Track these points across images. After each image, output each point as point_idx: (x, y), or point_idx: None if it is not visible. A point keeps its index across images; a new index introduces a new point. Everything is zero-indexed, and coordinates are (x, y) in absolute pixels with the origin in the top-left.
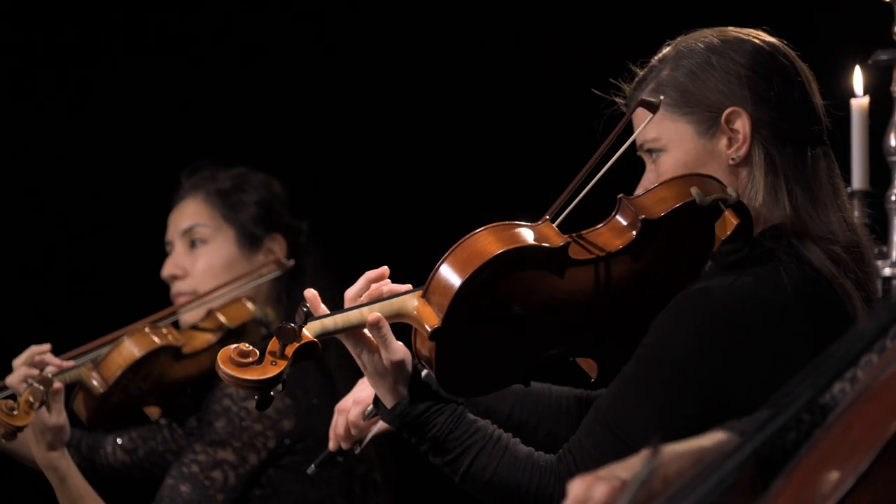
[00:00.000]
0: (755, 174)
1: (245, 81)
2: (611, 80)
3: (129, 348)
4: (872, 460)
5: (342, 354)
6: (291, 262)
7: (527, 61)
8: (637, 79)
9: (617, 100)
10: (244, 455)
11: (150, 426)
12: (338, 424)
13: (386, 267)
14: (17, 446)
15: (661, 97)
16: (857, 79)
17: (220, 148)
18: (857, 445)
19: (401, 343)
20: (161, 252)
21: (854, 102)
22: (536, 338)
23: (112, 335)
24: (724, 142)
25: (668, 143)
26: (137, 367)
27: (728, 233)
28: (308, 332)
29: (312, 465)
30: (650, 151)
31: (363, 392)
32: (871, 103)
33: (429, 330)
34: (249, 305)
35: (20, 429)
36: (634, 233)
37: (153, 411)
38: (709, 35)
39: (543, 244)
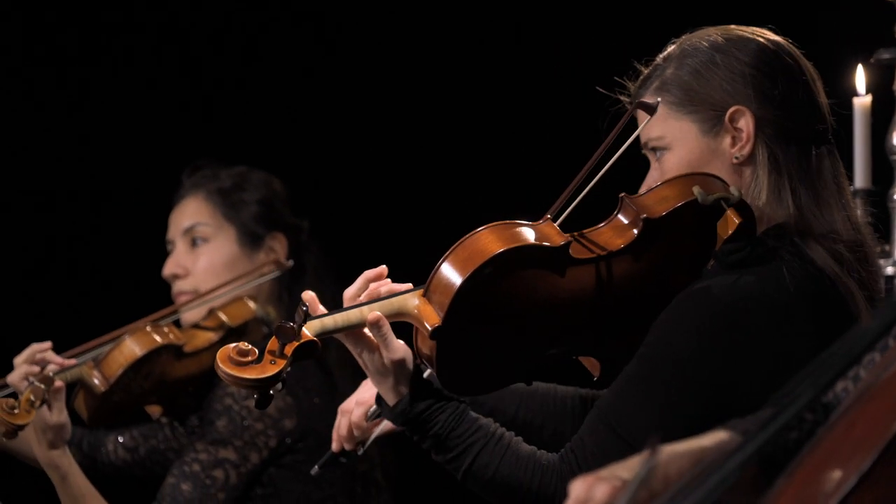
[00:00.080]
0: (759, 173)
1: (245, 81)
2: (615, 78)
3: (131, 347)
4: (875, 459)
5: (343, 353)
6: (290, 263)
7: (528, 60)
8: (641, 77)
9: (621, 98)
10: (245, 454)
11: (151, 425)
12: (341, 425)
13: (384, 266)
14: (18, 445)
15: (660, 99)
16: (860, 78)
17: (221, 147)
18: (859, 444)
19: (401, 342)
20: (162, 251)
21: (856, 101)
22: (537, 337)
23: (113, 334)
24: (727, 140)
25: (672, 141)
26: (139, 365)
27: (730, 232)
28: (307, 331)
29: (316, 467)
30: (654, 150)
31: (366, 393)
32: (874, 102)
33: (429, 329)
34: (251, 304)
35: (21, 427)
36: (636, 232)
37: (154, 410)
38: (713, 34)
39: (544, 243)
